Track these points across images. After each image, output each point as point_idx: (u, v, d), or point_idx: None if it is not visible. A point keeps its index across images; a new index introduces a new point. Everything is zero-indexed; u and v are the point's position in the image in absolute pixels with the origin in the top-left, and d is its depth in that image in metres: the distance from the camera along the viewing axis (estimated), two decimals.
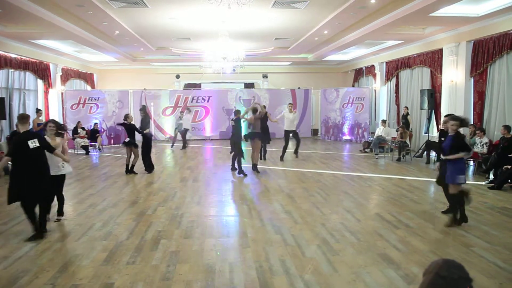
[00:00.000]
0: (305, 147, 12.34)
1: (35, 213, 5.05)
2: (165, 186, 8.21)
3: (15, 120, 12.16)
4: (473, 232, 5.15)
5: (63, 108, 14.89)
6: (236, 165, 9.44)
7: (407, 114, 13.31)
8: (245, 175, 9.08)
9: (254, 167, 9.49)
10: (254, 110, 9.45)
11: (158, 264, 4.24)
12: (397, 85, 15.16)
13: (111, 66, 19.28)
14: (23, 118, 5.17)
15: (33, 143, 4.95)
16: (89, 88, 18.24)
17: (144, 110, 10.98)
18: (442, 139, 5.73)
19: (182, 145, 14.30)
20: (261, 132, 9.59)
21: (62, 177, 5.76)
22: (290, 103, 12.29)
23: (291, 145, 11.91)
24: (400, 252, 4.49)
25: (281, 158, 11.26)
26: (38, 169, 5.05)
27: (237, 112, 9.74)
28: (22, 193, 4.94)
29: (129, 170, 9.48)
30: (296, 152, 11.73)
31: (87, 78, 18.36)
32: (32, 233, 5.03)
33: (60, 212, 5.85)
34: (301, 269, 4.08)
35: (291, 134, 11.51)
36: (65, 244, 4.87)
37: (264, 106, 11.17)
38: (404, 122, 12.92)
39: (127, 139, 9.35)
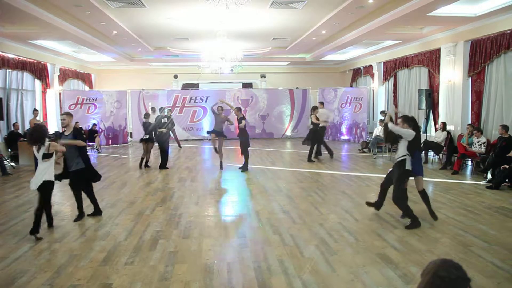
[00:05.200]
0: (303, 147, 12.30)
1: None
2: (163, 186, 8.20)
3: (12, 121, 12.15)
4: (471, 231, 5.17)
5: (61, 108, 14.84)
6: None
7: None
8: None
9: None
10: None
11: (156, 264, 4.23)
12: (395, 85, 15.19)
13: (109, 66, 19.25)
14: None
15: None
16: (87, 88, 18.20)
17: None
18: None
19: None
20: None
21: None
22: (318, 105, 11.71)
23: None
24: (399, 252, 4.50)
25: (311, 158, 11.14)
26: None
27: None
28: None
29: (145, 165, 10.37)
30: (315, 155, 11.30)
31: (85, 78, 18.33)
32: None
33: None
34: (300, 269, 4.08)
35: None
36: (63, 244, 4.86)
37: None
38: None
39: (146, 136, 10.37)
